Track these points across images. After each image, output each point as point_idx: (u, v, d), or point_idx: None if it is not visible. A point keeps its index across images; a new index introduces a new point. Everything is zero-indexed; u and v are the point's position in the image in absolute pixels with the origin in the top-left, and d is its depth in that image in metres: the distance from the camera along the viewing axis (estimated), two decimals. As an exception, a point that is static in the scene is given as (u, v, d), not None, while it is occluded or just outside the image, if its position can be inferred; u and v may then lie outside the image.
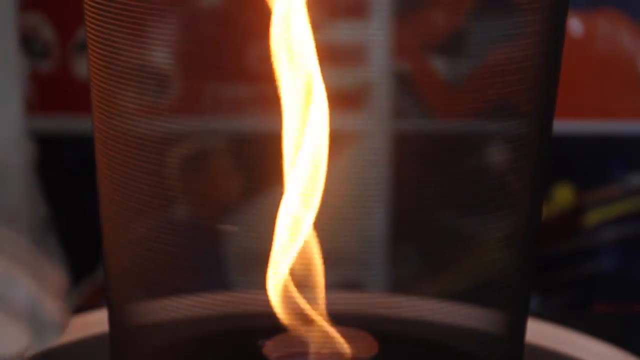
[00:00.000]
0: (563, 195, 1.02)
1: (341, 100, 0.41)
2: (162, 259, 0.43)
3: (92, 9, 0.41)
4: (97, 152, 0.43)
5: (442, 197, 0.44)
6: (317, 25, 0.39)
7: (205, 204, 0.43)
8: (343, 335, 0.43)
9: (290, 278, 0.42)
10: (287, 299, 0.42)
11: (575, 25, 0.99)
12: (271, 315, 0.42)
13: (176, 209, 0.43)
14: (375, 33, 0.40)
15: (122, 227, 0.43)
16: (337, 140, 0.43)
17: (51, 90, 0.98)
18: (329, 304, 0.44)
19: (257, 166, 0.43)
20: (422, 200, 0.44)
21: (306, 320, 0.42)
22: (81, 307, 0.76)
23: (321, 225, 0.42)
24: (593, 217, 1.03)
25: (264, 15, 0.40)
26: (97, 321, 0.52)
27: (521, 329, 0.45)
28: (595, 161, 1.03)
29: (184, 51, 0.42)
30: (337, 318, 0.43)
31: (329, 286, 0.44)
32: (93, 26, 0.41)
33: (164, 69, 0.42)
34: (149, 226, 0.43)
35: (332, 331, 0.42)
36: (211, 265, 0.45)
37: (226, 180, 0.44)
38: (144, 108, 0.42)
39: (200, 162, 0.44)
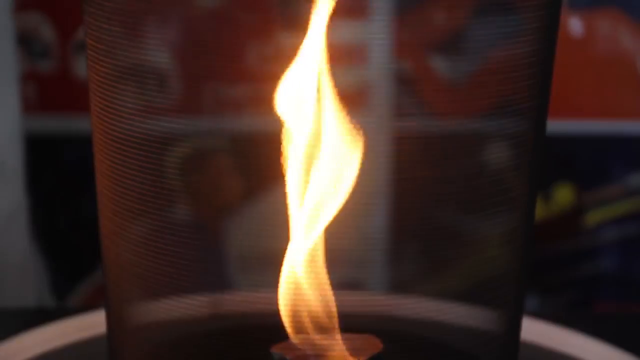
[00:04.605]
0: (563, 195, 1.02)
1: (341, 99, 0.41)
2: (161, 259, 0.43)
3: (91, 9, 0.41)
4: (95, 152, 0.43)
5: (442, 196, 0.44)
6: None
7: (205, 204, 0.43)
8: (346, 336, 0.43)
9: (296, 280, 0.42)
10: (293, 301, 0.42)
11: (575, 25, 0.99)
12: (272, 315, 0.42)
13: (176, 209, 0.43)
14: (375, 33, 0.40)
15: (121, 228, 0.43)
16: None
17: (51, 90, 0.98)
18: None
19: (257, 166, 0.43)
20: (422, 200, 0.44)
21: (312, 323, 0.42)
22: (81, 307, 0.76)
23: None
24: (593, 217, 1.03)
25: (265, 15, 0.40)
26: (97, 321, 0.52)
27: (517, 327, 0.45)
28: (595, 161, 1.03)
29: (183, 51, 0.42)
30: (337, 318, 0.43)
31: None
32: (92, 25, 0.41)
33: (163, 69, 0.42)
34: (148, 226, 0.42)
35: (336, 333, 0.42)
36: (211, 265, 0.45)
37: (226, 180, 0.44)
38: (143, 108, 0.42)
39: (200, 162, 0.44)
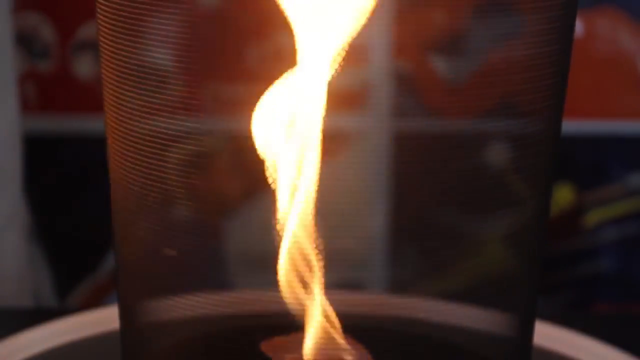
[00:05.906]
0: (563, 195, 1.02)
1: (341, 100, 0.41)
2: (168, 257, 0.43)
3: (105, 10, 0.41)
4: (110, 150, 0.43)
5: (443, 197, 0.44)
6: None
7: (210, 203, 0.43)
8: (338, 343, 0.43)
9: (288, 277, 0.42)
10: (286, 300, 0.42)
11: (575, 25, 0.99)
12: (271, 314, 0.42)
13: (184, 208, 0.43)
14: (375, 33, 0.40)
15: (131, 225, 0.43)
16: (337, 140, 0.43)
17: (51, 90, 0.98)
18: (329, 304, 0.44)
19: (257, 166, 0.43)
20: (422, 200, 0.44)
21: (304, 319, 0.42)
22: (81, 307, 0.76)
23: (321, 225, 0.42)
24: (593, 217, 1.03)
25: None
26: (97, 321, 0.52)
27: (527, 329, 0.45)
28: (595, 161, 1.03)
29: (196, 51, 0.42)
30: (337, 318, 0.43)
31: (329, 286, 0.44)
32: (105, 27, 0.41)
33: (178, 69, 0.42)
34: (159, 224, 0.43)
35: (331, 333, 0.42)
36: (215, 264, 0.45)
37: (231, 180, 0.44)
38: (157, 107, 0.42)
39: (209, 162, 0.44)
